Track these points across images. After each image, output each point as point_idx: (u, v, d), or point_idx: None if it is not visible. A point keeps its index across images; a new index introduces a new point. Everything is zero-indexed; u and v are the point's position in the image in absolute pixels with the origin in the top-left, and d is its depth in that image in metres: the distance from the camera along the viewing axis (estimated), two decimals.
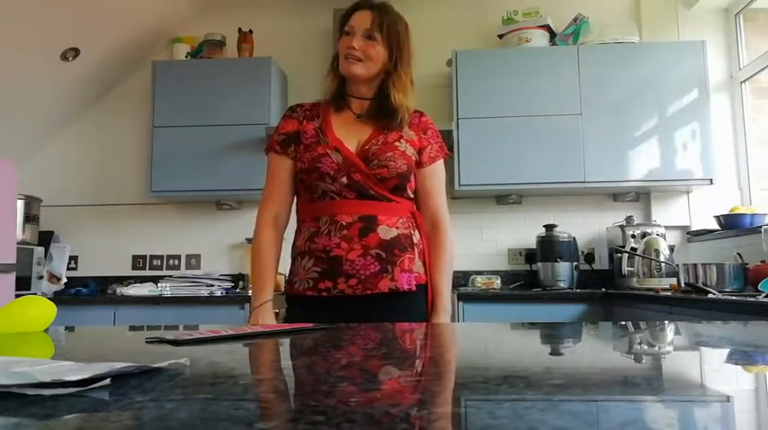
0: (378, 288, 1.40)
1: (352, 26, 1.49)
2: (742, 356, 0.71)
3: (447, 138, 3.12)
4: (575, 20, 3.47)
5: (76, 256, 3.71)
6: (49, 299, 1.13)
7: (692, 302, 2.23)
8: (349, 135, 1.50)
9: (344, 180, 1.44)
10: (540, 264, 3.32)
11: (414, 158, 1.52)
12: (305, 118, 1.55)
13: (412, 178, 1.52)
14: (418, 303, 1.48)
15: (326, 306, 1.42)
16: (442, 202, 1.57)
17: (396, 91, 1.50)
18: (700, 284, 2.48)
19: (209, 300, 3.14)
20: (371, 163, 1.45)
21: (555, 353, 0.79)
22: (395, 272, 1.42)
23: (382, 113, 1.51)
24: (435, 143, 1.58)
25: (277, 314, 1.52)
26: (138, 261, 3.70)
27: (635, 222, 3.29)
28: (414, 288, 1.45)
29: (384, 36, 1.47)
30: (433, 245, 1.54)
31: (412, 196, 1.54)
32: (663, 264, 3.00)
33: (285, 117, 1.58)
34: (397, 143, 1.49)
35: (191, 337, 0.81)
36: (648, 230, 3.19)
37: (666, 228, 3.30)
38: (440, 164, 1.58)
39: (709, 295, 2.27)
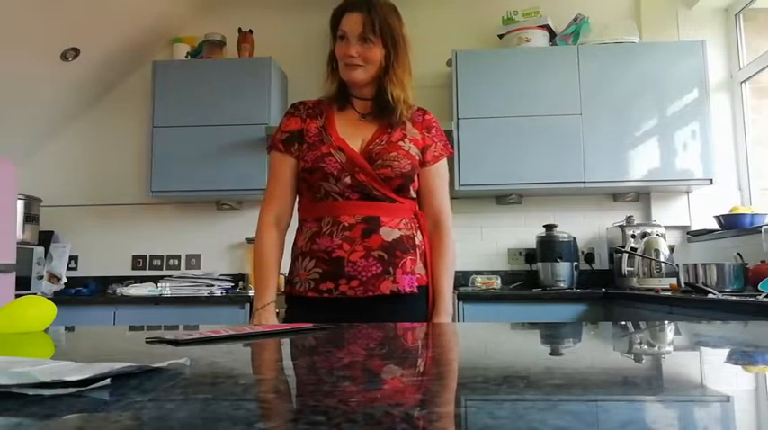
0: (379, 289, 1.40)
1: (345, 31, 1.46)
2: (742, 356, 0.71)
3: (447, 138, 3.12)
4: (575, 20, 3.47)
5: (76, 256, 3.71)
6: (49, 299, 1.13)
7: (692, 302, 2.23)
8: (353, 134, 1.49)
9: (348, 180, 1.43)
10: (540, 264, 3.32)
11: (417, 158, 1.51)
12: (308, 116, 1.54)
13: (416, 178, 1.52)
14: (419, 305, 1.47)
15: (327, 307, 1.41)
16: (445, 202, 1.57)
17: (393, 86, 1.48)
18: (700, 284, 2.48)
19: (209, 300, 3.14)
20: (375, 163, 1.44)
21: (555, 353, 0.79)
22: (396, 273, 1.42)
23: (384, 111, 1.50)
24: (439, 142, 1.57)
25: (278, 314, 1.52)
26: (138, 261, 3.70)
27: (635, 222, 3.29)
28: (415, 290, 1.44)
29: (379, 36, 1.45)
30: (434, 244, 1.53)
31: (415, 196, 1.54)
32: (663, 264, 3.00)
33: (288, 115, 1.57)
34: (401, 143, 1.49)
35: (191, 337, 0.81)
36: (648, 230, 3.19)
37: (666, 228, 3.30)
38: (443, 163, 1.58)
39: (710, 295, 2.27)
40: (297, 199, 1.57)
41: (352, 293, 1.40)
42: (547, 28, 3.47)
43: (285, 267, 1.55)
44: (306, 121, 1.53)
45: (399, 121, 1.51)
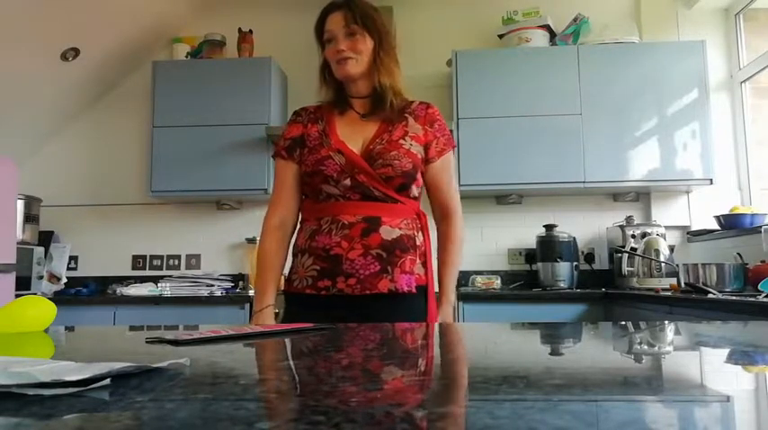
0: (377, 288, 1.40)
1: (330, 30, 1.49)
2: (742, 356, 0.71)
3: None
4: (575, 20, 3.47)
5: (76, 256, 3.71)
6: (49, 299, 1.13)
7: (692, 302, 2.23)
8: (353, 135, 1.50)
9: (348, 182, 1.44)
10: (540, 264, 3.32)
11: (420, 156, 1.51)
12: (309, 121, 1.56)
13: (419, 176, 1.52)
14: (417, 305, 1.47)
15: (325, 305, 1.41)
16: (454, 194, 1.58)
17: (380, 75, 1.51)
18: (700, 284, 2.48)
19: (209, 300, 3.14)
20: (376, 162, 1.44)
21: (555, 353, 0.79)
22: (395, 273, 1.42)
23: (380, 104, 1.51)
24: (442, 136, 1.56)
25: (277, 314, 1.52)
26: (138, 261, 3.70)
27: (635, 222, 3.29)
28: (413, 290, 1.44)
29: (363, 27, 1.48)
30: (443, 234, 1.56)
31: (418, 196, 1.54)
32: (663, 264, 3.00)
33: (290, 122, 1.59)
34: (401, 141, 1.48)
35: (191, 337, 0.81)
36: (648, 230, 3.19)
37: (666, 228, 3.30)
38: (448, 156, 1.57)
39: (709, 295, 2.27)
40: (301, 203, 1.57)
41: (349, 291, 1.40)
42: (547, 28, 3.47)
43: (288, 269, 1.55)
44: (307, 126, 1.55)
45: (394, 113, 1.51)
